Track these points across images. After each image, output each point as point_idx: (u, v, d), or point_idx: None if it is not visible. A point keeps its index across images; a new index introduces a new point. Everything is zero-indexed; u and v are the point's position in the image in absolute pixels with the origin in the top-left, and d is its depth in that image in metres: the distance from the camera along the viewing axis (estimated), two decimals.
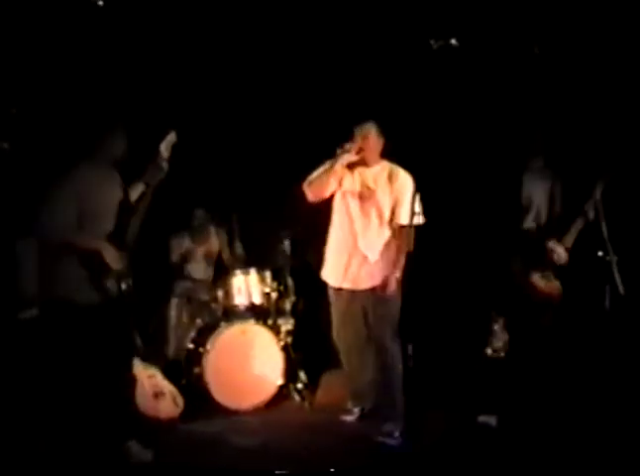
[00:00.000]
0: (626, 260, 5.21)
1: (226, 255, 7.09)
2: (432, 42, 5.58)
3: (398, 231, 5.49)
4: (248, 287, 6.50)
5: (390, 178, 5.51)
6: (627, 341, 5.40)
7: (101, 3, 6.02)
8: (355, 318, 5.62)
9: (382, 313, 5.44)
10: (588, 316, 5.44)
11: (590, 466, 4.68)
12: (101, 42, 6.30)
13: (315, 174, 5.53)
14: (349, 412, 5.86)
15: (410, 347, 6.33)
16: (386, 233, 5.51)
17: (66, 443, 4.84)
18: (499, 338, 6.46)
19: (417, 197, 5.34)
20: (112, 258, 4.80)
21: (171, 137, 5.05)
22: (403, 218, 5.44)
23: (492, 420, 5.52)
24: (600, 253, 5.26)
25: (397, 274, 5.40)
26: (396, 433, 5.36)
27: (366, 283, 5.51)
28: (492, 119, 6.46)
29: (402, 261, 5.42)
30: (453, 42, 5.54)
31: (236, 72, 6.88)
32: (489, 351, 6.50)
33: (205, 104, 6.99)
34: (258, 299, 6.47)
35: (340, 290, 5.64)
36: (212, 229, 7.09)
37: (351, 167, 5.57)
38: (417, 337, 6.43)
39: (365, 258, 5.51)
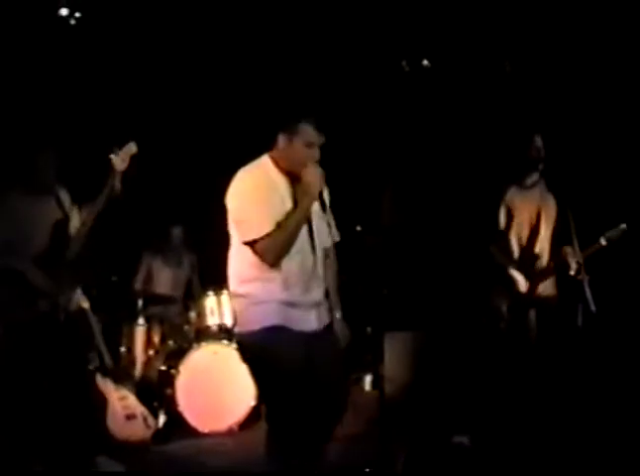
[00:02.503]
0: (597, 279, 5.26)
1: (195, 280, 7.07)
2: (404, 63, 5.64)
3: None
4: (220, 307, 6.48)
5: None
6: (599, 358, 5.44)
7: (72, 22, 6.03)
8: None
9: None
10: (562, 334, 5.47)
11: None
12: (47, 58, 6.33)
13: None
14: None
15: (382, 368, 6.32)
16: None
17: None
18: None
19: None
20: (36, 278, 4.87)
21: (129, 148, 4.90)
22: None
23: (466, 440, 5.51)
24: (572, 272, 5.31)
25: None
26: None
27: None
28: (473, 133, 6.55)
29: None
30: (425, 62, 5.59)
31: (213, 85, 6.91)
32: None
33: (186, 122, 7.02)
34: (230, 320, 6.45)
35: None
36: (184, 252, 7.06)
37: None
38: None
39: None
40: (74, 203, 5.14)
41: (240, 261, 4.04)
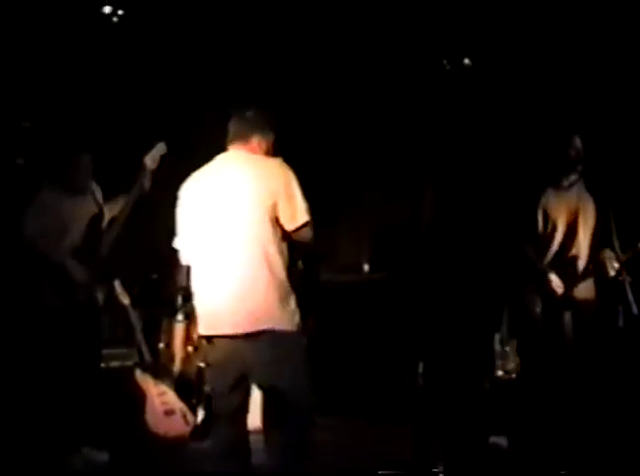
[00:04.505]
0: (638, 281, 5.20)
1: None
2: (445, 62, 5.62)
3: None
4: None
5: None
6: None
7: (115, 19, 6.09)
8: None
9: None
10: (602, 336, 5.41)
11: None
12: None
13: None
14: None
15: (421, 365, 6.30)
16: None
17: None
18: (511, 360, 6.44)
19: None
20: (75, 271, 5.07)
21: (159, 148, 5.08)
22: None
23: (503, 441, 5.49)
24: (613, 273, 5.25)
25: None
26: None
27: None
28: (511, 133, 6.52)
29: None
30: (466, 61, 5.56)
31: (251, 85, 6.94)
32: (501, 373, 6.47)
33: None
34: None
35: None
36: None
37: None
38: (428, 356, 6.40)
39: None
40: (106, 200, 5.31)
41: (282, 249, 3.91)
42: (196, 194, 4.02)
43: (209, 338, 3.98)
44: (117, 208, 5.25)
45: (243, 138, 4.04)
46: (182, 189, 4.08)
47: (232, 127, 4.09)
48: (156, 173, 5.13)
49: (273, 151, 4.12)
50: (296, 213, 3.88)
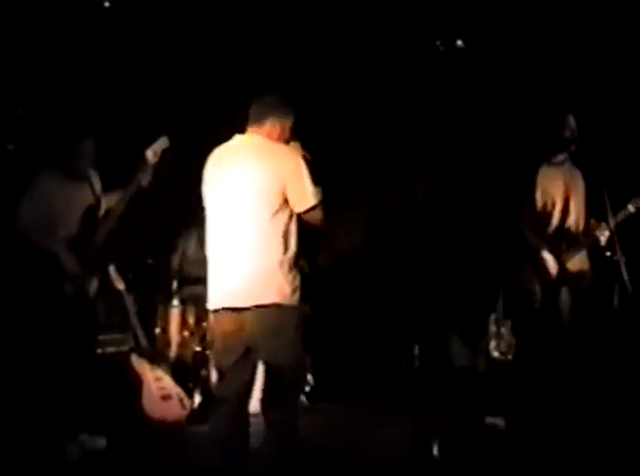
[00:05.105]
0: (634, 260, 5.21)
1: None
2: (438, 43, 5.59)
3: None
4: None
5: None
6: (636, 341, 5.39)
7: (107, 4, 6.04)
8: None
9: None
10: (597, 316, 5.43)
11: (598, 468, 4.66)
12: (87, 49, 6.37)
13: None
14: None
15: (416, 348, 6.31)
16: None
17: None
18: (506, 341, 6.45)
19: None
20: (67, 262, 5.04)
21: (162, 142, 5.08)
22: None
23: (500, 422, 5.50)
24: (609, 253, 5.27)
25: None
26: None
27: None
28: (504, 115, 6.51)
29: None
30: (459, 43, 5.55)
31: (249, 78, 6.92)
32: (497, 354, 6.48)
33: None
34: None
35: None
36: None
37: None
38: (423, 338, 6.41)
39: None
40: (104, 191, 5.27)
41: (288, 228, 4.12)
42: (211, 175, 4.27)
43: (216, 313, 4.25)
44: (114, 200, 5.21)
45: (258, 121, 4.23)
46: (205, 168, 4.31)
47: (251, 110, 4.27)
48: (157, 167, 5.12)
49: (292, 134, 4.30)
50: (305, 196, 4.10)
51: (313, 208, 4.14)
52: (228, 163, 4.21)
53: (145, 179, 5.12)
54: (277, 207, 4.07)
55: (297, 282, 4.17)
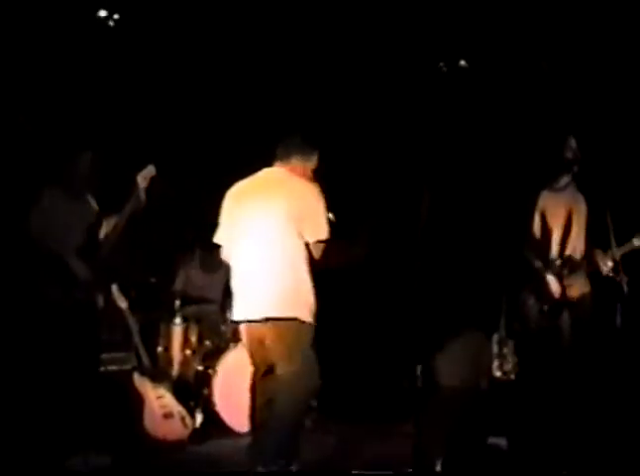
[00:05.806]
0: (635, 281, 5.22)
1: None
2: (442, 64, 5.63)
3: None
4: None
5: None
6: (638, 360, 5.40)
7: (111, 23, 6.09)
8: None
9: None
10: (599, 336, 5.43)
11: None
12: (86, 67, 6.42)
13: None
14: None
15: (419, 368, 6.31)
16: None
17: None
18: (509, 361, 6.45)
19: None
20: (79, 268, 5.20)
21: (149, 170, 5.30)
22: None
23: (502, 442, 5.49)
24: (606, 270, 5.29)
25: None
26: None
27: None
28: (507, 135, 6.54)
29: None
30: (462, 63, 5.58)
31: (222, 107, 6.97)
32: (499, 374, 6.48)
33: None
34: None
35: None
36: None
37: None
38: (425, 358, 6.41)
39: None
40: (102, 212, 5.47)
41: (303, 252, 4.55)
42: (238, 200, 4.72)
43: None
44: (112, 223, 5.33)
45: (284, 159, 4.74)
46: (228, 194, 4.78)
47: (279, 148, 4.78)
48: (148, 189, 5.31)
49: (313, 178, 4.76)
50: (319, 230, 4.56)
51: (321, 242, 4.57)
52: (259, 190, 4.68)
53: (138, 203, 5.24)
54: (295, 235, 4.52)
55: (311, 299, 4.56)
